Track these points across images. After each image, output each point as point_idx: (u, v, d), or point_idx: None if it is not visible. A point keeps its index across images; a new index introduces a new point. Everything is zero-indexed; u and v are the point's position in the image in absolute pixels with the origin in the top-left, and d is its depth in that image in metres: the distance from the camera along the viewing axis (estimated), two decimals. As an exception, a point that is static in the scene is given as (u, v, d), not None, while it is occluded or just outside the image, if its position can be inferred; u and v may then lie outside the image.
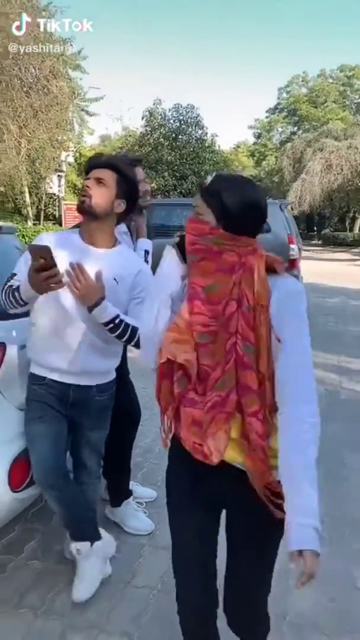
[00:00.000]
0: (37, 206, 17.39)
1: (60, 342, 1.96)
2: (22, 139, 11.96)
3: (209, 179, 1.38)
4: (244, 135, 74.64)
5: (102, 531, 2.21)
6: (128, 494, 2.70)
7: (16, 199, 17.14)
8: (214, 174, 1.42)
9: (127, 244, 2.39)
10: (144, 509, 2.74)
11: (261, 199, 1.35)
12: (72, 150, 19.86)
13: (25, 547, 2.44)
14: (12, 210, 17.60)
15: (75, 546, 2.12)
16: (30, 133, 12.07)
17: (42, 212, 17.47)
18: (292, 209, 28.64)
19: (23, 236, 11.25)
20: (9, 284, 1.98)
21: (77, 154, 21.29)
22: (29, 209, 16.38)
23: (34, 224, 16.92)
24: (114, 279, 1.94)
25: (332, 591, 2.21)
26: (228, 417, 1.29)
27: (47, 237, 1.99)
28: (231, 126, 76.27)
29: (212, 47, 73.74)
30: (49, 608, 2.07)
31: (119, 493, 2.68)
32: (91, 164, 1.99)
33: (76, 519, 2.15)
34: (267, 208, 1.37)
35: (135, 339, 1.94)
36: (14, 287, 1.93)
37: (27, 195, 16.16)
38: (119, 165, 1.96)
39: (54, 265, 1.74)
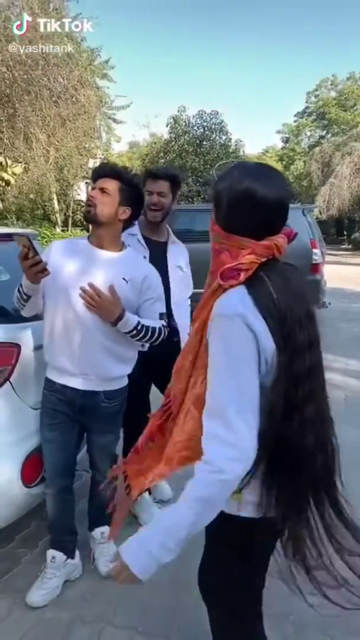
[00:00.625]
0: (65, 213, 17.75)
1: (71, 346, 2.04)
2: (50, 147, 12.25)
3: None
4: (272, 140, 74.34)
5: (76, 554, 2.33)
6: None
7: (45, 205, 17.56)
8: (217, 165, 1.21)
9: (138, 249, 2.51)
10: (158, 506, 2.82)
11: (257, 188, 1.10)
12: (100, 158, 20.20)
13: (40, 542, 2.53)
14: (41, 216, 18.00)
15: (51, 553, 2.23)
16: (58, 141, 12.35)
17: (70, 219, 17.81)
18: (320, 212, 28.44)
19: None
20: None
21: (105, 161, 21.67)
22: (57, 215, 16.75)
23: (62, 230, 17.27)
24: (123, 278, 2.04)
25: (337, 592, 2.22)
26: None
27: (57, 244, 2.11)
28: (260, 131, 76.17)
29: (240, 52, 73.82)
30: (59, 600, 2.15)
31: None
32: (97, 174, 2.10)
33: (61, 527, 2.29)
34: (279, 203, 1.13)
35: (156, 338, 2.12)
36: (20, 284, 2.01)
37: (55, 202, 16.53)
38: (122, 174, 2.06)
39: (36, 253, 1.80)
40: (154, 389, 2.84)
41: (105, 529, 2.40)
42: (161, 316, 2.19)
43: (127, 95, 42.71)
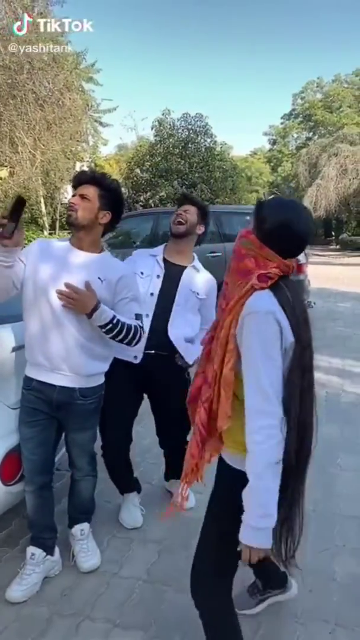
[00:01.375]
0: (53, 216, 17.73)
1: (47, 342, 2.09)
2: (36, 151, 12.26)
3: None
4: (260, 142, 74.72)
5: (55, 551, 2.36)
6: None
7: (32, 209, 17.51)
8: (272, 194, 1.66)
9: (153, 267, 2.64)
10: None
11: (296, 224, 1.43)
12: (87, 161, 20.22)
13: (21, 540, 2.56)
14: (28, 220, 17.96)
15: (31, 550, 2.26)
16: (44, 145, 12.36)
17: (58, 222, 17.80)
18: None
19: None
20: None
21: (92, 165, 21.64)
22: (45, 218, 16.74)
23: (50, 234, 17.24)
24: (99, 277, 2.12)
25: (312, 583, 2.28)
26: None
27: (39, 243, 2.21)
28: (247, 133, 76.49)
29: (226, 54, 74.20)
30: (38, 595, 2.19)
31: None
32: (77, 181, 2.19)
33: (40, 524, 2.31)
34: (303, 230, 1.45)
35: (131, 338, 2.16)
36: None
37: (42, 205, 16.51)
38: (100, 181, 2.16)
39: (11, 218, 1.85)
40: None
41: (84, 526, 2.45)
42: (137, 317, 2.23)
43: (114, 98, 42.94)
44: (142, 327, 2.24)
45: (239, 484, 1.40)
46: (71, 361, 2.12)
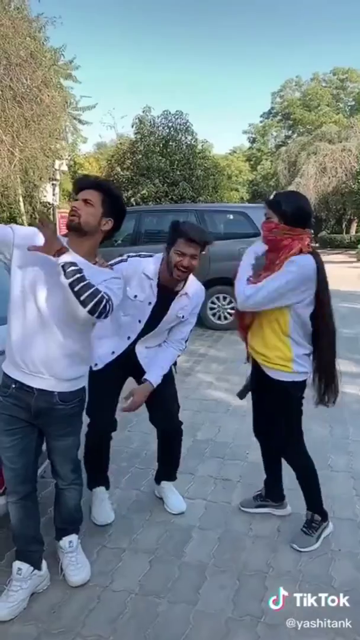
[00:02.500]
0: (32, 215, 17.46)
1: (30, 343, 2.00)
2: (14, 148, 12.02)
3: (272, 196, 2.43)
4: (239, 140, 74.87)
5: (43, 565, 2.26)
6: (172, 478, 2.97)
7: (11, 207, 17.20)
8: (274, 193, 2.42)
9: (147, 292, 2.55)
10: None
11: (305, 204, 2.33)
12: (66, 159, 19.96)
13: (6, 553, 2.45)
14: (7, 219, 17.65)
15: (17, 565, 2.17)
16: (22, 143, 12.12)
17: (37, 221, 17.51)
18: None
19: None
20: None
21: (72, 162, 21.42)
22: (24, 217, 16.46)
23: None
24: None
25: (308, 588, 2.23)
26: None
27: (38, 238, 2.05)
28: (226, 132, 76.61)
29: (205, 53, 74.19)
30: (26, 613, 2.09)
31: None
32: (80, 186, 2.12)
33: (26, 537, 2.22)
34: (309, 207, 2.35)
35: (98, 300, 1.89)
36: None
37: (21, 204, 16.23)
38: (105, 187, 2.11)
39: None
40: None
41: (73, 537, 2.35)
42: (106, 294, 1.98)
43: (93, 95, 42.55)
44: (108, 300, 1.97)
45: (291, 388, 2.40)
46: (52, 365, 2.03)
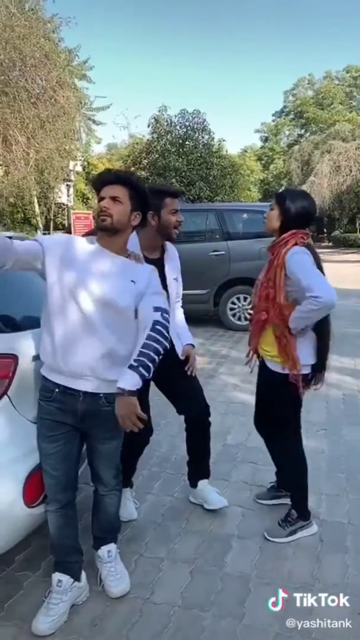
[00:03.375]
0: (46, 216, 17.49)
1: (75, 346, 1.95)
2: (30, 149, 12.01)
3: (282, 189, 2.57)
4: (251, 139, 74.53)
5: (82, 575, 2.19)
6: (207, 474, 2.93)
7: (26, 209, 17.26)
8: (285, 188, 2.26)
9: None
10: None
11: (309, 206, 2.42)
12: (80, 160, 19.97)
13: (42, 562, 2.39)
14: (21, 220, 17.71)
15: (57, 577, 2.10)
16: (37, 143, 12.11)
17: (52, 222, 17.55)
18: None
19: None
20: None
21: (85, 163, 21.43)
22: (38, 218, 16.49)
23: (44, 234, 16.99)
24: (132, 280, 2.02)
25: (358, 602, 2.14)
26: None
27: (77, 241, 2.05)
28: (238, 131, 76.29)
29: (217, 52, 73.95)
30: (66, 627, 2.01)
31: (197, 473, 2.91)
32: (102, 181, 2.03)
33: (65, 547, 2.15)
34: (313, 210, 2.43)
35: (161, 346, 1.96)
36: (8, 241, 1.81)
37: (36, 205, 16.26)
38: (130, 180, 2.03)
39: None
40: (158, 401, 2.75)
41: (111, 547, 2.28)
42: (156, 309, 2.01)
43: (107, 96, 42.64)
44: (161, 321, 1.99)
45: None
46: (97, 366, 1.97)
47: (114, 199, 1.98)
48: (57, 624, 2.01)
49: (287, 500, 2.72)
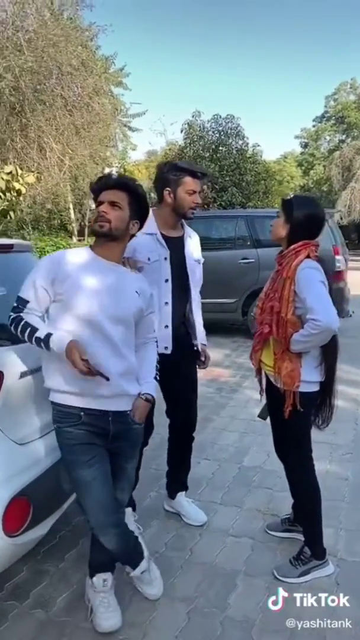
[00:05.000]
0: (81, 222, 17.65)
1: (102, 368, 1.83)
2: (64, 156, 12.11)
3: (290, 196, 2.30)
4: (291, 145, 73.62)
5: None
6: (184, 486, 2.85)
7: (62, 215, 17.47)
8: (291, 194, 2.16)
9: (156, 249, 2.47)
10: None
11: (319, 214, 2.27)
12: (116, 166, 20.10)
13: (32, 592, 2.23)
14: (58, 226, 17.94)
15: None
16: (72, 150, 12.20)
17: (87, 228, 17.68)
18: (341, 218, 27.81)
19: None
20: (26, 319, 1.84)
21: (122, 170, 21.55)
22: (74, 225, 16.65)
23: (79, 240, 17.13)
24: (136, 291, 1.98)
25: None
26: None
27: (67, 257, 1.92)
28: (278, 137, 75.63)
29: (256, 57, 73.52)
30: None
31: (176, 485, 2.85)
32: (101, 186, 1.96)
33: (130, 549, 2.11)
34: (322, 218, 2.27)
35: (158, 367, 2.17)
36: (36, 332, 1.82)
37: (72, 211, 16.43)
38: (130, 186, 1.96)
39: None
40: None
41: (107, 575, 2.11)
42: (152, 331, 2.19)
43: (143, 102, 42.99)
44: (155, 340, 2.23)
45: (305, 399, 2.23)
46: (123, 384, 1.93)
47: (112, 204, 1.90)
48: (120, 615, 2.03)
49: (300, 536, 2.47)
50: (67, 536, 2.62)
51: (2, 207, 8.30)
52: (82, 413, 1.88)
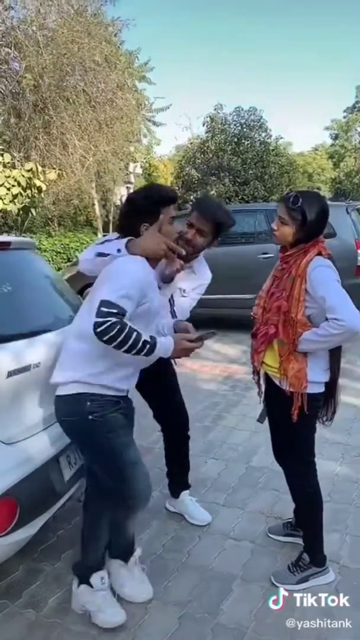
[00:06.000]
0: (104, 218, 17.72)
1: (133, 368, 2.05)
2: (88, 152, 12.13)
3: (289, 194, 2.11)
4: (322, 137, 72.18)
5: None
6: (186, 485, 2.83)
7: (88, 211, 17.56)
8: (290, 191, 2.26)
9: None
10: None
11: (327, 207, 2.11)
12: (142, 162, 20.09)
13: (25, 591, 2.23)
14: (83, 222, 18.05)
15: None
16: (95, 147, 12.20)
17: (111, 224, 17.74)
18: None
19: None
20: (129, 324, 1.79)
21: (147, 164, 21.54)
22: (99, 220, 16.72)
23: (104, 236, 17.16)
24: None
25: None
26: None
27: (148, 273, 2.01)
28: (309, 129, 74.29)
29: (286, 50, 72.27)
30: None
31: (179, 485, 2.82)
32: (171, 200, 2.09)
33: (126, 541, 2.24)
34: (328, 211, 2.10)
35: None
36: (142, 336, 1.82)
37: (97, 207, 16.50)
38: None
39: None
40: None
41: (104, 573, 2.12)
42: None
43: (167, 96, 42.74)
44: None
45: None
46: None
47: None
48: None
49: (301, 541, 2.39)
50: (65, 535, 2.61)
51: (23, 204, 8.36)
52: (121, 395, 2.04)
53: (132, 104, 14.20)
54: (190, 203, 16.56)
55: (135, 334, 1.77)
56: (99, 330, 1.73)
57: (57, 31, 11.06)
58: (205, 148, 16.68)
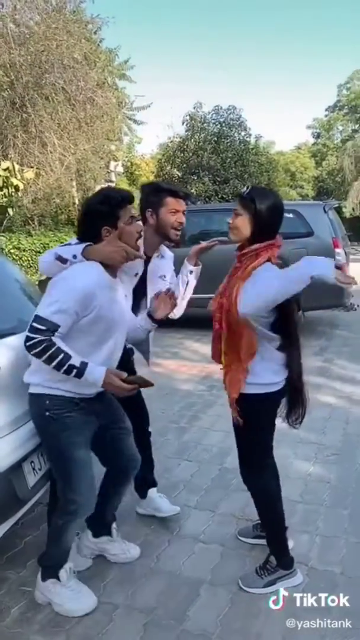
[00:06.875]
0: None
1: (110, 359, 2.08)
2: (67, 151, 12.02)
3: (246, 189, 2.11)
4: (305, 136, 72.70)
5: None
6: (153, 483, 2.84)
7: (69, 210, 17.39)
8: (248, 186, 2.14)
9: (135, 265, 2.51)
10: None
11: (280, 203, 2.13)
12: (124, 160, 19.97)
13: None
14: (65, 221, 17.88)
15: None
16: (74, 145, 12.11)
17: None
18: (353, 209, 27.34)
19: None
20: (58, 345, 1.83)
21: (129, 163, 21.42)
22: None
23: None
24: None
25: None
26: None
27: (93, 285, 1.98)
28: (293, 128, 74.59)
29: (269, 49, 72.52)
30: None
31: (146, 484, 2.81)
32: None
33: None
34: (282, 208, 2.14)
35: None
36: (69, 359, 1.85)
37: (77, 206, 16.35)
38: None
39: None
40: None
41: (70, 564, 2.15)
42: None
43: (148, 95, 42.45)
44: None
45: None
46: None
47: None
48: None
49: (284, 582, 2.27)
50: (32, 542, 2.56)
51: (0, 204, 8.25)
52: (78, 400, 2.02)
53: (112, 102, 14.15)
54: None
55: (61, 355, 1.81)
56: (27, 344, 1.82)
57: (34, 28, 10.94)
58: (185, 147, 16.67)
